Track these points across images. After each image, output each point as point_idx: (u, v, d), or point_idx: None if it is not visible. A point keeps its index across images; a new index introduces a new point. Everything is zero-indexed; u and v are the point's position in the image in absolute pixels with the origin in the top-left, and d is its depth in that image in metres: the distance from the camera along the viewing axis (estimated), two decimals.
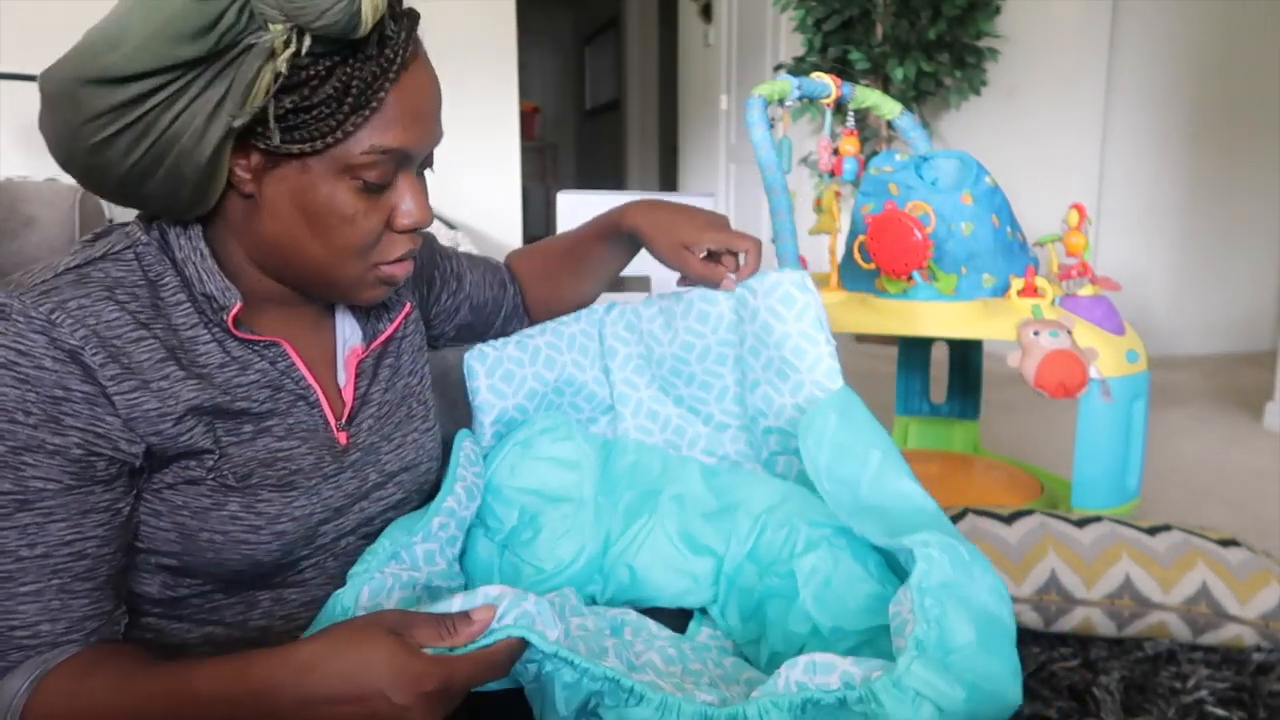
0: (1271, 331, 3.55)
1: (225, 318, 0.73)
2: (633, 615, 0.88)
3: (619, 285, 1.60)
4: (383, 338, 0.86)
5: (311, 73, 0.65)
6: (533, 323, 1.10)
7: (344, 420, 0.82)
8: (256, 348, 0.76)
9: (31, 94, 0.65)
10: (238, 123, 0.65)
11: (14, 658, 0.65)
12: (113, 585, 0.70)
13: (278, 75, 0.64)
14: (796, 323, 0.93)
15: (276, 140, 0.66)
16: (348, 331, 0.85)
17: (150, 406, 0.68)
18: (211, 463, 0.72)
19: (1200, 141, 3.40)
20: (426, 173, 0.78)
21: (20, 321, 0.65)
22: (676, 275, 1.03)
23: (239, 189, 0.70)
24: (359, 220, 0.71)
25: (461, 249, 1.11)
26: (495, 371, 1.02)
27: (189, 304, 0.73)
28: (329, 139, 0.67)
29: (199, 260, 0.73)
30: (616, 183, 7.05)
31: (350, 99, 0.66)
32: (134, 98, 0.63)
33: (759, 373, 0.97)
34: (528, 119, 4.14)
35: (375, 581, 0.74)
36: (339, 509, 0.80)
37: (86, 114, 0.64)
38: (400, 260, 0.76)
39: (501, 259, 1.14)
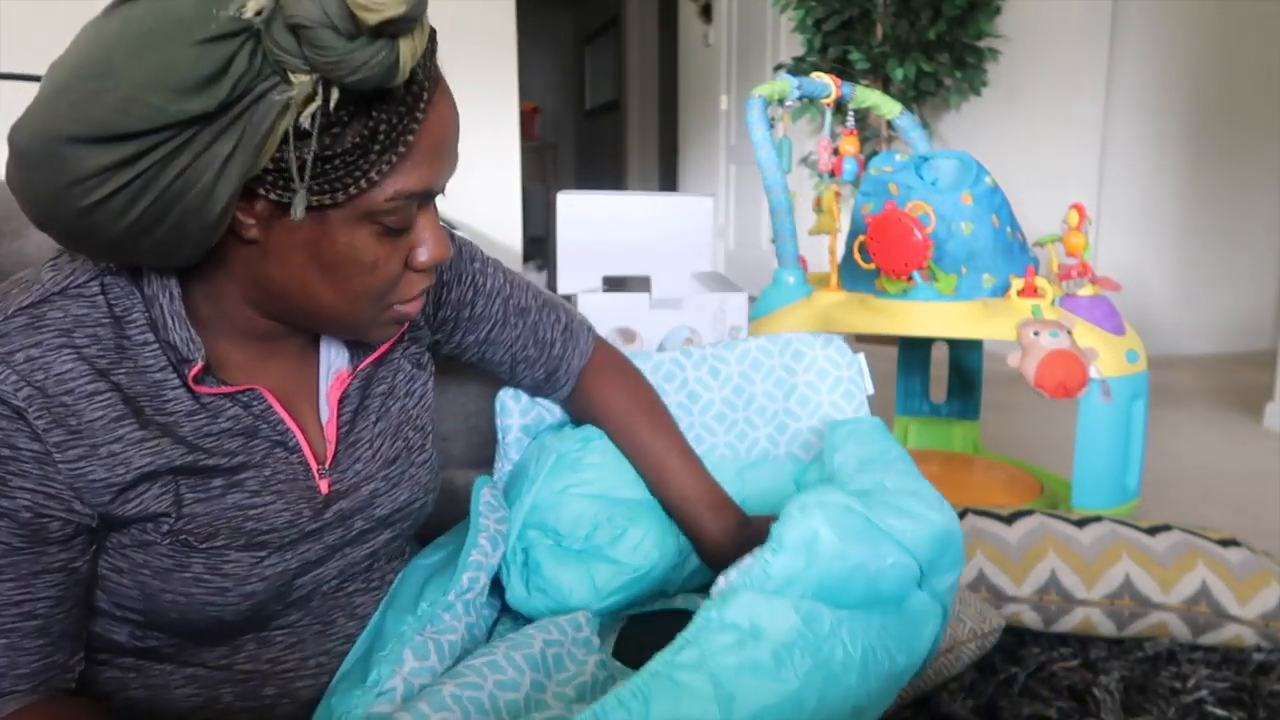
0: (1271, 331, 3.54)
1: (187, 371, 0.66)
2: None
3: (620, 286, 1.59)
4: (371, 358, 0.78)
5: (332, 119, 0.58)
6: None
7: (327, 464, 0.75)
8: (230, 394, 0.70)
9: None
10: (250, 175, 0.58)
11: None
12: (68, 638, 0.66)
13: (299, 128, 0.57)
14: (848, 370, 1.05)
15: (301, 213, 0.59)
16: (332, 355, 0.77)
17: (96, 476, 0.63)
18: (168, 526, 0.66)
19: (1200, 142, 3.40)
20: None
21: None
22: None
23: (240, 234, 0.62)
24: (380, 266, 0.65)
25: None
26: (530, 412, 0.97)
27: (157, 345, 0.66)
28: (351, 190, 0.60)
29: (167, 302, 0.65)
30: (616, 183, 7.05)
31: (377, 145, 0.59)
32: (130, 156, 0.55)
33: (804, 420, 1.05)
34: (528, 119, 4.13)
35: (416, 644, 0.72)
36: (318, 560, 0.74)
37: (74, 175, 0.56)
38: (416, 298, 0.70)
39: (588, 338, 0.97)
